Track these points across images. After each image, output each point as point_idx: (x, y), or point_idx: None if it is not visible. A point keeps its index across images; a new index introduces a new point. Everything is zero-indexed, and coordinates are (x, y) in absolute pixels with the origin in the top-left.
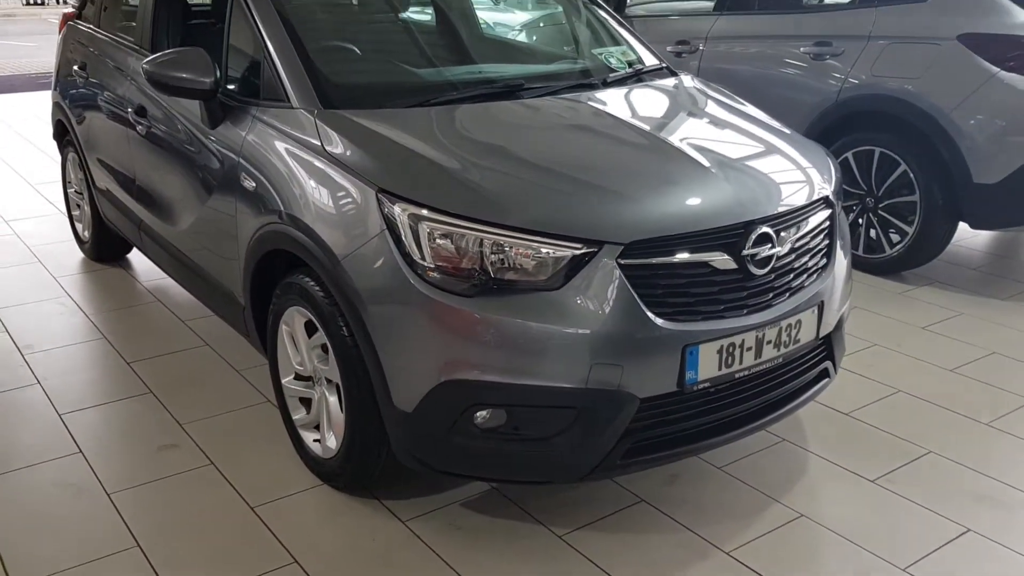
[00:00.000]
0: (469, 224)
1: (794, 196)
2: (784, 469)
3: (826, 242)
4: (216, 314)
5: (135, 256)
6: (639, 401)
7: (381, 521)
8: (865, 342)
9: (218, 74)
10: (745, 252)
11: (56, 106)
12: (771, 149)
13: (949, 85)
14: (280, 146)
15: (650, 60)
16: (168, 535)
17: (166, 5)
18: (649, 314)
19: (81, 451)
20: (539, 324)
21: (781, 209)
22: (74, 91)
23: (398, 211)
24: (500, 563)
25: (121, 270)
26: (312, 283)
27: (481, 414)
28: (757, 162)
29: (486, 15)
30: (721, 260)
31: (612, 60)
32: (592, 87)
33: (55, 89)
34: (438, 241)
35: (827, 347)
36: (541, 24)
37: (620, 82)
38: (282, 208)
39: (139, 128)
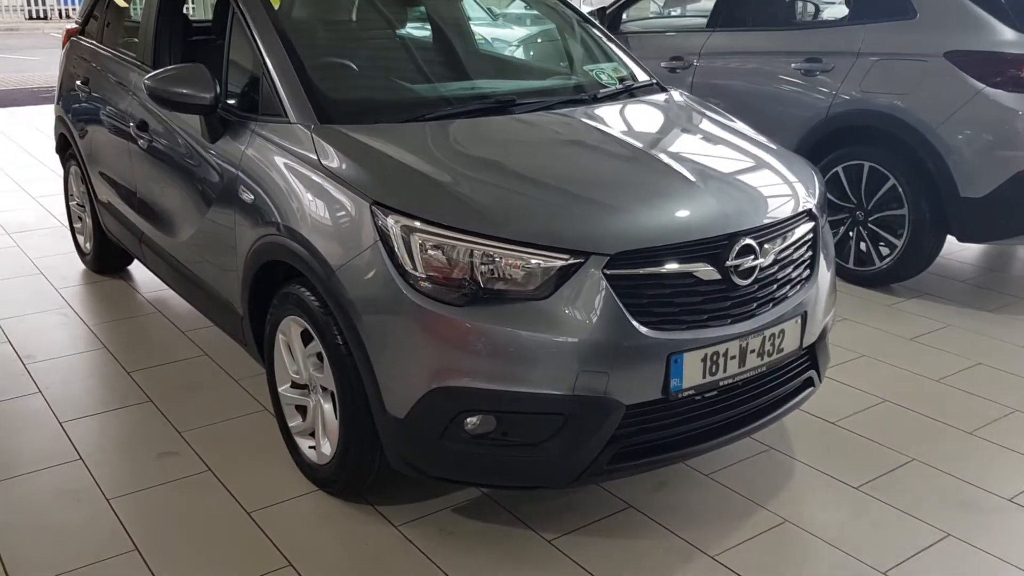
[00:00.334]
0: (460, 236)
1: (777, 209)
2: (770, 476)
3: (809, 254)
4: (215, 324)
5: (136, 268)
6: (625, 408)
7: (375, 526)
8: (853, 353)
9: (218, 90)
10: (729, 263)
11: (59, 120)
12: (756, 163)
13: (936, 101)
14: (278, 160)
15: (641, 76)
16: (166, 539)
17: (168, 22)
18: (634, 323)
19: (81, 458)
20: (527, 333)
21: (764, 221)
22: (77, 105)
23: (391, 223)
24: (491, 567)
25: (122, 282)
26: (308, 293)
27: (471, 420)
28: (741, 175)
29: (485, 31)
30: (705, 271)
31: (603, 76)
32: (583, 102)
33: (58, 103)
34: (430, 252)
35: (811, 356)
36: (539, 40)
37: (610, 98)
38: (279, 220)
39: (141, 142)
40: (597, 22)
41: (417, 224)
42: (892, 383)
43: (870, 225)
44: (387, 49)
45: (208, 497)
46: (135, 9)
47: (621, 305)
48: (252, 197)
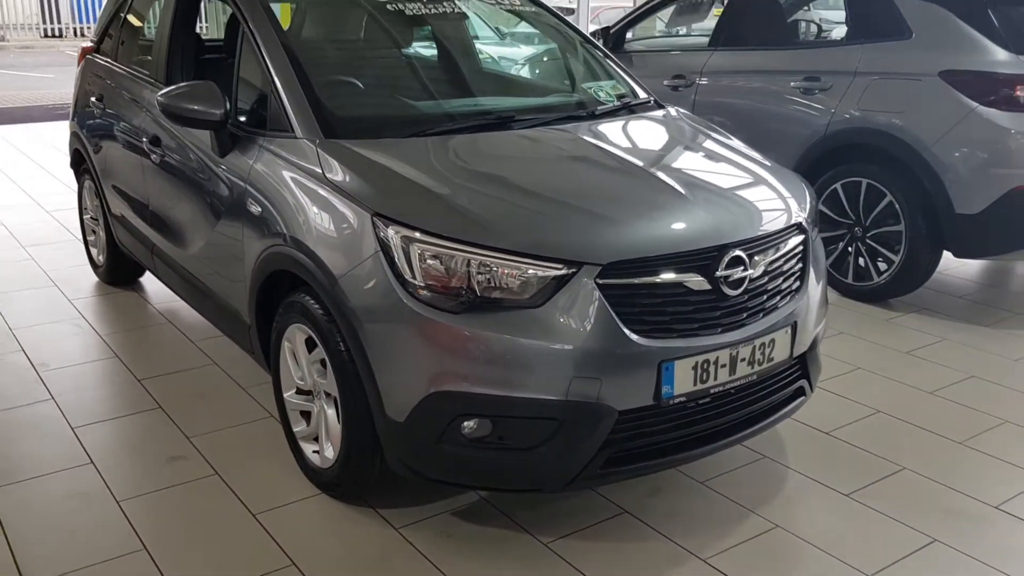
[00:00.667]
0: (457, 246)
1: (767, 222)
2: (763, 484)
3: (799, 266)
4: (223, 333)
5: (147, 280)
6: (617, 413)
7: (376, 528)
8: (849, 366)
9: (228, 106)
10: (718, 274)
11: (74, 135)
12: (747, 177)
13: (931, 119)
14: (284, 174)
15: (639, 94)
16: (174, 540)
17: (181, 40)
18: (626, 331)
19: (93, 462)
20: (522, 339)
21: (754, 233)
22: (91, 121)
23: (391, 233)
24: (488, 569)
25: (134, 293)
26: (312, 302)
27: (468, 424)
28: (732, 189)
29: (493, 50)
30: (695, 281)
31: (601, 94)
32: (581, 119)
33: (73, 119)
34: (428, 261)
35: (802, 366)
36: (544, 59)
37: (608, 114)
38: (286, 231)
39: (153, 157)
40: (598, 42)
41: (417, 235)
42: (886, 395)
43: (868, 241)
44: (392, 67)
45: (215, 499)
46: (149, 28)
47: (613, 313)
48: (260, 209)
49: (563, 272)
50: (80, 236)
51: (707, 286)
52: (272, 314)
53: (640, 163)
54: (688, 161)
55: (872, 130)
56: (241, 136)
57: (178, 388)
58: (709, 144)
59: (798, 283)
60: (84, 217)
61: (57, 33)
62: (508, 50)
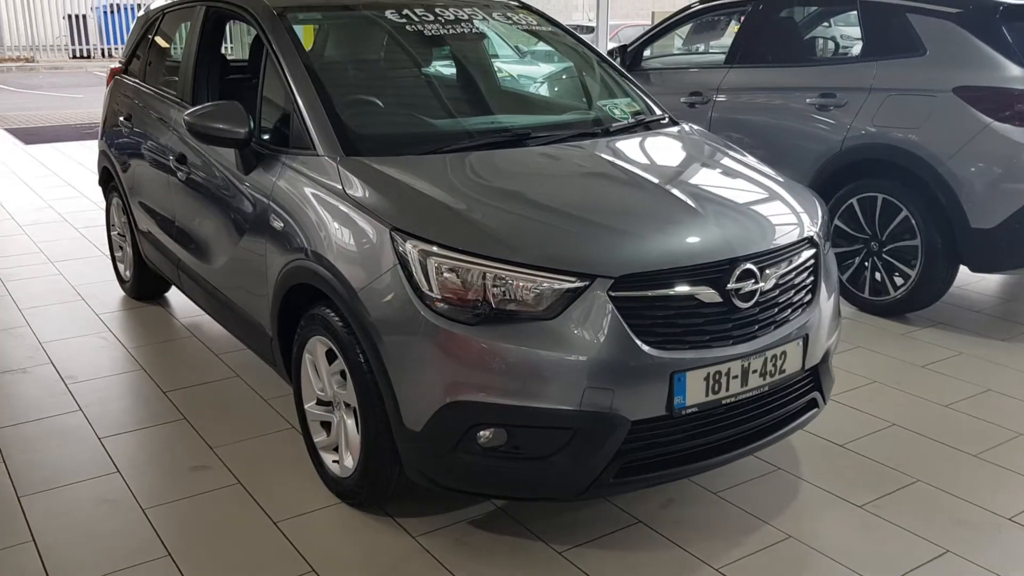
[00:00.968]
0: (473, 259)
1: (778, 235)
2: (776, 495)
3: (811, 279)
4: (246, 346)
5: (172, 295)
6: (630, 424)
7: (393, 536)
8: (865, 379)
9: (252, 125)
10: (730, 286)
11: (102, 154)
12: (759, 192)
13: (946, 135)
14: (306, 190)
15: (653, 111)
16: (197, 546)
17: (206, 61)
18: (638, 342)
19: (119, 471)
20: (536, 350)
21: (765, 247)
22: (120, 140)
23: (409, 247)
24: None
25: (159, 308)
26: (333, 314)
27: (483, 433)
28: (744, 204)
29: (512, 68)
30: (707, 293)
31: (616, 111)
32: (595, 135)
33: (102, 138)
34: (445, 275)
35: (814, 378)
36: (562, 77)
37: (623, 131)
38: (307, 246)
39: (179, 174)
40: (616, 60)
41: (434, 248)
42: (901, 408)
43: (884, 256)
44: (411, 86)
45: (237, 508)
46: (176, 49)
47: (625, 325)
48: (282, 225)
49: (576, 285)
50: (107, 252)
51: (718, 299)
52: (294, 327)
53: (653, 178)
54: (701, 176)
55: (887, 146)
56: (265, 154)
57: (202, 400)
58: (722, 160)
59: (810, 296)
60: (111, 233)
61: (85, 54)
62: (526, 68)
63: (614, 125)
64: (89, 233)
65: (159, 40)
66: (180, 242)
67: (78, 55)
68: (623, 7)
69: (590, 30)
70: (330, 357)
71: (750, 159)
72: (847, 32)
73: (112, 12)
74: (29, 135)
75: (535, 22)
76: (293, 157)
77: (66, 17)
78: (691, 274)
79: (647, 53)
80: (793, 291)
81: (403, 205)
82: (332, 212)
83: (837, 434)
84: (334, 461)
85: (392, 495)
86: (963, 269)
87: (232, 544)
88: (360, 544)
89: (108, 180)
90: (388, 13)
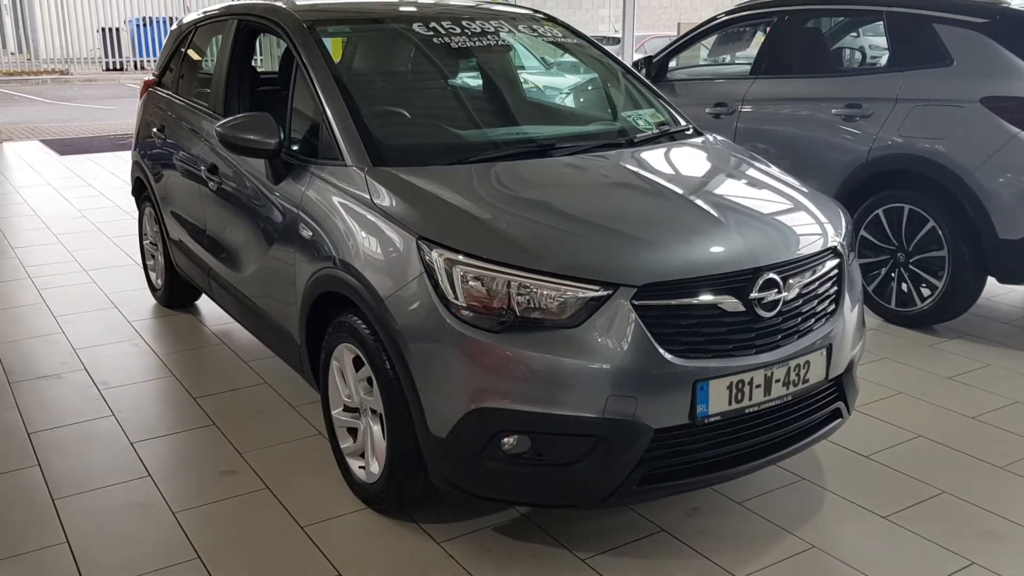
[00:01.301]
0: (498, 268)
1: (802, 245)
2: (800, 505)
3: (834, 289)
4: (275, 353)
5: (203, 303)
6: (653, 432)
7: (418, 541)
8: (891, 390)
9: (282, 136)
10: (752, 296)
11: (136, 164)
12: (782, 202)
13: (973, 145)
14: (335, 199)
15: (677, 121)
16: (226, 549)
17: (238, 74)
18: (661, 351)
19: (150, 475)
20: (560, 358)
21: (788, 257)
22: (153, 151)
23: (435, 256)
24: None
25: (190, 315)
26: (360, 322)
27: (507, 440)
28: (767, 214)
29: (539, 79)
30: (730, 303)
31: (640, 122)
32: (620, 146)
33: (135, 149)
34: (470, 283)
35: (838, 388)
36: (588, 88)
37: (647, 141)
38: (335, 254)
39: (211, 184)
40: (641, 71)
41: (460, 257)
42: (927, 419)
43: (911, 267)
44: (438, 97)
45: (265, 512)
46: (208, 62)
47: (649, 334)
48: (311, 234)
49: (600, 293)
50: (140, 261)
51: (741, 308)
52: (321, 335)
53: (676, 188)
54: (724, 187)
55: (914, 156)
56: (294, 164)
57: (231, 406)
58: (745, 170)
59: (833, 306)
60: (144, 242)
61: (119, 67)
62: (552, 80)
63: (638, 136)
64: (122, 242)
65: (192, 53)
66: (211, 251)
67: (112, 67)
68: (649, 18)
69: (616, 41)
70: (357, 364)
71: (774, 169)
72: (873, 42)
73: (145, 25)
74: (64, 146)
75: (560, 34)
76: (322, 167)
77: (100, 30)
78: (714, 283)
79: (672, 64)
80: (816, 301)
81: (429, 214)
82: (360, 221)
83: (862, 445)
84: (360, 467)
85: (417, 501)
86: (991, 280)
87: (260, 548)
88: (385, 549)
89: (141, 190)
90: (415, 26)
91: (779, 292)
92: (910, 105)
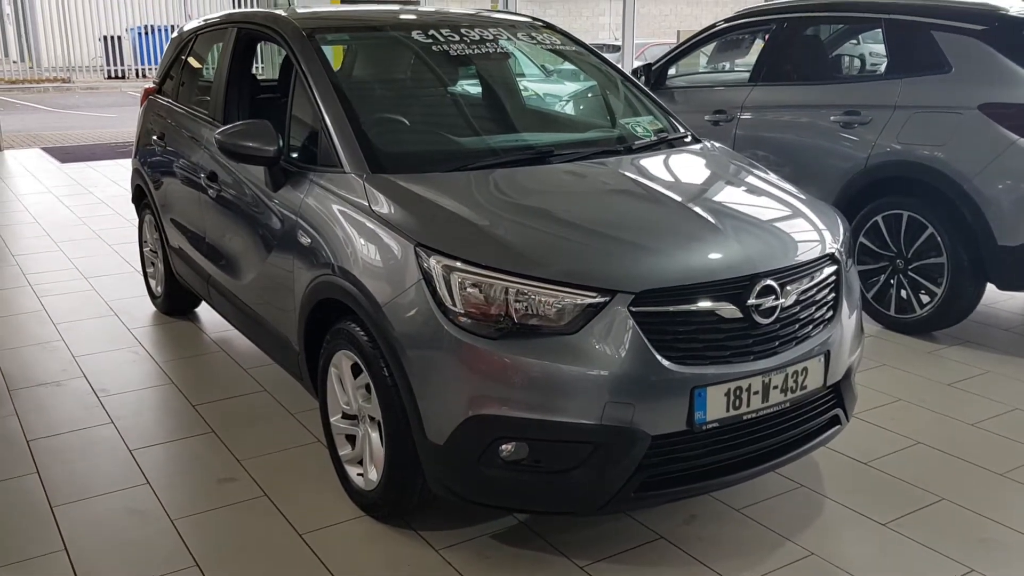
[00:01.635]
0: (496, 274)
1: (799, 252)
2: (799, 512)
3: (832, 295)
4: (274, 360)
5: (202, 310)
6: (651, 438)
7: (416, 549)
8: (890, 397)
9: (281, 143)
10: (750, 302)
11: (136, 172)
12: (780, 209)
13: (972, 152)
14: (333, 207)
15: (675, 129)
16: (224, 557)
17: (237, 81)
18: (659, 357)
19: (148, 482)
20: (558, 365)
21: (785, 263)
22: (153, 159)
23: (433, 263)
24: None
25: (190, 323)
26: (358, 329)
27: (505, 447)
28: (764, 220)
29: (539, 86)
30: (727, 309)
31: (639, 129)
32: (618, 153)
33: (135, 157)
34: (468, 290)
35: (837, 395)
36: (588, 95)
37: (645, 148)
38: (334, 261)
39: (210, 192)
40: (640, 79)
41: (457, 264)
42: (926, 426)
43: (910, 273)
44: (436, 104)
45: (263, 520)
46: (208, 70)
47: (646, 340)
48: (309, 241)
49: (597, 300)
50: (140, 268)
51: (739, 314)
52: (320, 342)
53: (674, 195)
54: (722, 193)
55: (912, 163)
56: (293, 171)
57: (230, 413)
58: (743, 177)
59: (831, 312)
60: (144, 250)
61: (120, 75)
62: (551, 87)
63: (636, 143)
64: (122, 249)
65: (192, 61)
66: (210, 258)
67: (113, 76)
68: (649, 26)
69: (617, 49)
70: (355, 371)
71: (771, 176)
72: (871, 50)
73: (147, 34)
74: (65, 154)
75: (559, 42)
76: (321, 174)
77: (102, 39)
78: (711, 290)
79: (672, 72)
80: (814, 307)
81: (427, 221)
82: (358, 228)
83: (861, 451)
84: (359, 474)
85: (415, 508)
86: (990, 287)
87: (258, 555)
88: (383, 557)
89: (141, 198)
90: (415, 33)
91: (777, 298)
92: (909, 112)
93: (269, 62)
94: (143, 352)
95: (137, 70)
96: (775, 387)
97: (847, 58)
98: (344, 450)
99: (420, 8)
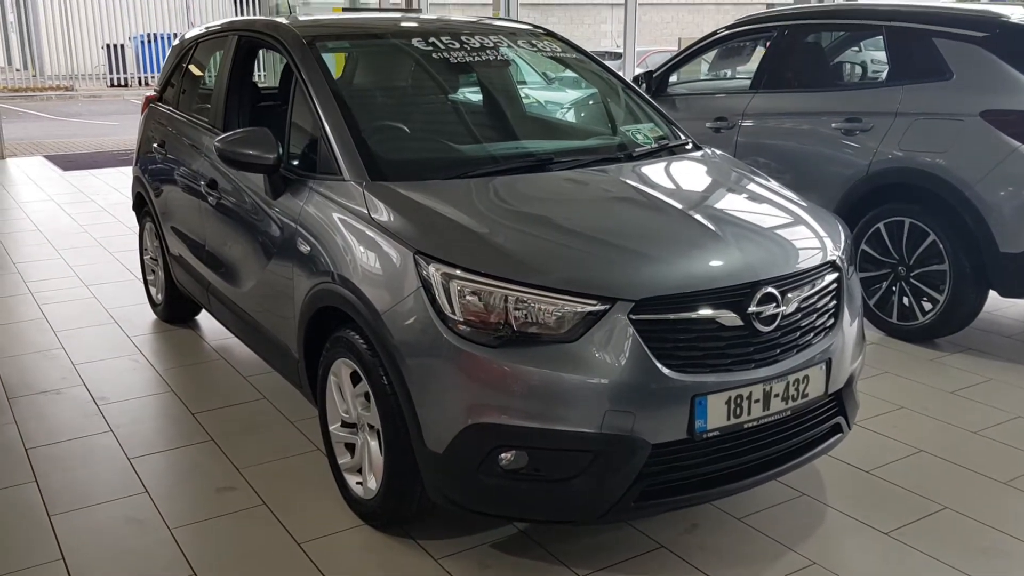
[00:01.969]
0: (495, 282)
1: (800, 259)
2: (801, 521)
3: (834, 303)
4: (273, 368)
5: (203, 318)
6: (651, 447)
7: (416, 558)
8: (893, 405)
9: (280, 151)
10: (751, 310)
11: (136, 180)
12: (781, 216)
13: (973, 159)
14: (333, 214)
15: (676, 136)
16: (222, 566)
17: (238, 89)
18: (659, 365)
19: (147, 491)
20: (557, 373)
21: (786, 271)
22: (153, 166)
23: (432, 271)
24: None
25: (190, 330)
26: (357, 337)
27: (504, 455)
28: (765, 228)
29: (540, 94)
30: (728, 317)
31: (639, 136)
32: (618, 160)
33: (136, 164)
34: (467, 297)
35: (838, 403)
36: (589, 102)
37: (645, 156)
38: (333, 269)
39: (210, 199)
40: (642, 86)
41: (457, 272)
42: (929, 434)
43: (912, 280)
44: (437, 112)
45: (262, 528)
46: (208, 77)
47: (646, 348)
48: (309, 248)
49: (597, 308)
50: (140, 276)
51: (739, 322)
52: (319, 350)
53: (674, 202)
54: (722, 200)
55: (914, 170)
56: (293, 179)
57: (230, 421)
58: (744, 184)
59: (832, 320)
60: (144, 257)
61: (123, 83)
62: (552, 94)
63: (637, 150)
64: (123, 257)
65: (192, 68)
66: (210, 266)
67: (116, 83)
68: (651, 34)
69: (619, 56)
70: (354, 379)
71: (772, 183)
72: (873, 57)
73: (150, 42)
74: (67, 162)
75: (559, 49)
76: (320, 182)
77: (105, 47)
78: (712, 298)
79: (673, 79)
80: (815, 315)
81: (426, 229)
82: (357, 236)
83: (863, 460)
84: (358, 483)
85: (415, 517)
86: (993, 294)
87: (256, 564)
88: (383, 566)
89: (142, 205)
90: (415, 41)
91: (777, 306)
92: (910, 119)
93: (272, 70)
94: (143, 360)
95: (140, 78)
96: (776, 395)
97: (848, 65)
98: (343, 458)
99: (421, 15)
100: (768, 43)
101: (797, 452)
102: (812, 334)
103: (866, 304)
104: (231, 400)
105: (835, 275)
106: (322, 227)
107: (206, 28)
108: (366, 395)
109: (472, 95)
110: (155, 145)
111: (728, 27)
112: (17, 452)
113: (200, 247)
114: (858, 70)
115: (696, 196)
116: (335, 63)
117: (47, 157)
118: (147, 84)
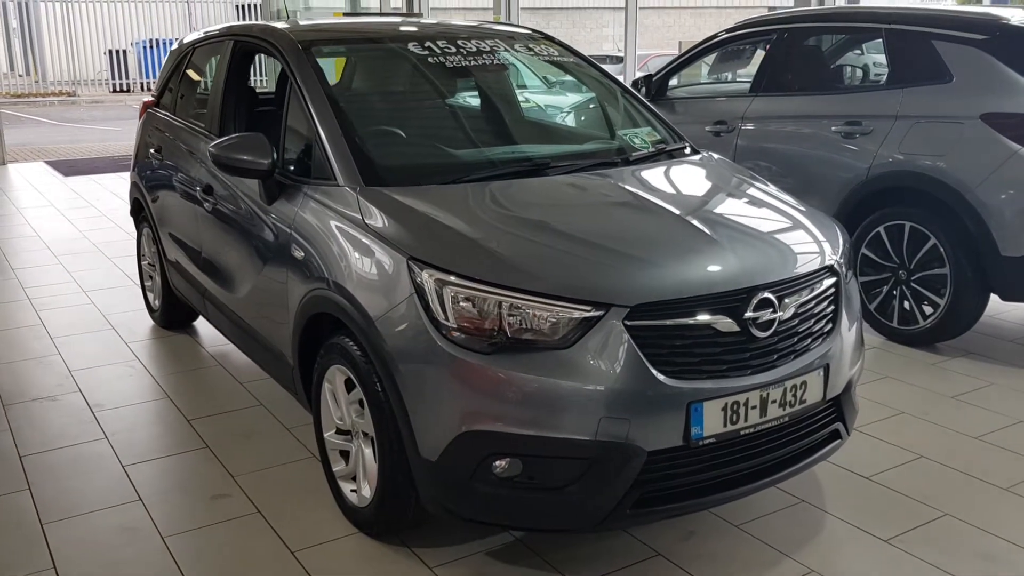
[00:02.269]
0: (489, 288)
1: (797, 264)
2: (800, 528)
3: (831, 308)
4: (269, 374)
5: (200, 324)
6: (647, 454)
7: (410, 566)
8: (893, 410)
9: (275, 156)
10: (747, 316)
11: (134, 185)
12: (778, 220)
13: (973, 162)
14: (327, 220)
15: (674, 140)
16: (215, 575)
17: (234, 94)
18: (654, 372)
19: (141, 499)
20: (552, 380)
21: (783, 276)
22: (150, 172)
23: (426, 277)
24: None
25: (187, 337)
26: (351, 343)
27: (499, 463)
28: (762, 232)
29: (540, 98)
30: (723, 323)
31: (637, 140)
32: (615, 165)
33: (133, 170)
34: (461, 304)
35: (837, 409)
36: (588, 106)
37: (643, 160)
38: (327, 275)
39: (206, 205)
40: (641, 90)
41: (451, 278)
42: (930, 440)
43: (913, 284)
44: (432, 116)
45: (256, 537)
46: (205, 82)
47: (641, 354)
48: (303, 254)
49: (592, 314)
50: (138, 282)
51: (735, 328)
52: (314, 356)
53: (670, 207)
54: (720, 205)
55: (914, 173)
56: (287, 184)
57: (225, 428)
58: (742, 188)
59: (830, 325)
60: (142, 263)
61: (125, 88)
62: (549, 98)
63: (635, 154)
64: (122, 263)
65: (190, 74)
66: (206, 272)
67: (118, 89)
68: (652, 37)
69: (620, 60)
70: (349, 386)
71: (770, 187)
72: (873, 60)
73: (152, 47)
74: (68, 167)
75: (557, 53)
76: (315, 188)
77: (107, 52)
78: (708, 303)
79: (673, 82)
80: (813, 320)
81: (420, 235)
82: (352, 242)
83: (863, 466)
84: (352, 490)
85: (409, 525)
86: (994, 298)
87: (250, 573)
88: (377, 574)
89: (139, 211)
90: (411, 45)
91: (774, 311)
92: (910, 122)
93: (272, 75)
94: (139, 366)
95: (142, 83)
96: (773, 401)
97: (848, 68)
98: (338, 466)
99: (419, 20)
100: (768, 46)
101: (795, 459)
102: (810, 339)
103: (867, 308)
104: (227, 407)
105: (833, 280)
106: (316, 233)
107: (204, 33)
108: (360, 402)
109: (469, 99)
110: (152, 151)
111: (728, 30)
112: (11, 459)
113: (196, 253)
114: (858, 73)
115: (693, 200)
116: (334, 68)
117: (48, 162)
118: (149, 89)
